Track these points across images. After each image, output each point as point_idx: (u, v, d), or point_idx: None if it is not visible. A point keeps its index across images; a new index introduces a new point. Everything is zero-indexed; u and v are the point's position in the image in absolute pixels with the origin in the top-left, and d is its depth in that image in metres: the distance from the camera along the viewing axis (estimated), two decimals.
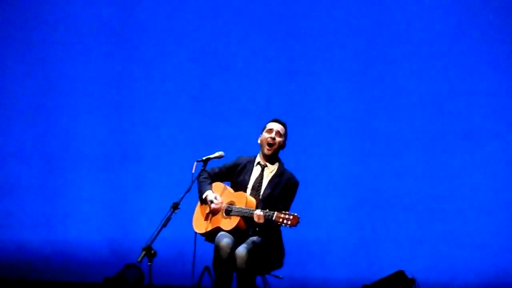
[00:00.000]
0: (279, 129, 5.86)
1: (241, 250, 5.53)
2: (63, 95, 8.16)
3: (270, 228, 5.63)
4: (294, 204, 5.85)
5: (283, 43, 7.89)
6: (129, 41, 8.12)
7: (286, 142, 5.96)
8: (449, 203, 7.57)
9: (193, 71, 8.03)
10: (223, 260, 5.53)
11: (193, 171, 5.69)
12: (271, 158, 5.87)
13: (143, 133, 8.05)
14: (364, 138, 7.73)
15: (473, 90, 7.61)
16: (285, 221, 5.38)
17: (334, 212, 7.69)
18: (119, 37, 8.13)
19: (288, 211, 5.68)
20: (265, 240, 5.67)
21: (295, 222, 5.38)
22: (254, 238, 5.65)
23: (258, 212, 5.52)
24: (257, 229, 5.61)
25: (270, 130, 5.85)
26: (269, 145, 5.83)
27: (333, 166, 7.73)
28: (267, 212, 5.49)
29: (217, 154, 5.88)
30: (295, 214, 5.39)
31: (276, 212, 5.43)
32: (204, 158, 5.82)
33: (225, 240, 5.56)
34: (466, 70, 7.63)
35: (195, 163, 5.75)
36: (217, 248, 5.55)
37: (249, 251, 5.52)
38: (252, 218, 5.55)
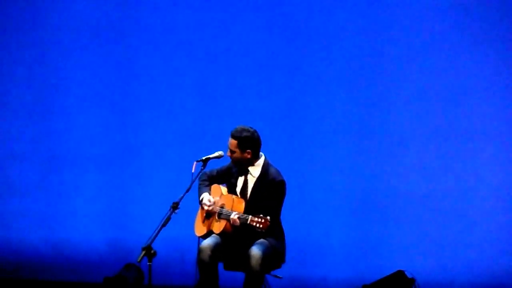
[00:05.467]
0: (229, 146, 5.78)
1: (256, 252, 5.56)
2: (63, 95, 8.16)
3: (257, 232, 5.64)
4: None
5: (283, 42, 7.89)
6: (129, 41, 8.12)
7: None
8: (449, 203, 7.57)
9: (193, 71, 8.03)
10: (203, 262, 5.61)
11: (193, 171, 5.71)
12: (249, 164, 5.83)
13: (143, 132, 8.05)
14: (364, 138, 7.73)
15: (473, 90, 7.61)
16: (257, 225, 5.41)
17: (334, 212, 7.68)
18: (119, 37, 8.12)
19: (277, 212, 5.72)
20: (270, 241, 5.69)
21: (265, 226, 5.41)
22: (264, 240, 5.67)
23: (233, 216, 5.57)
24: (240, 229, 5.62)
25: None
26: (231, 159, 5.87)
27: (333, 166, 7.73)
28: (242, 215, 5.53)
29: (217, 154, 5.89)
30: (267, 217, 5.40)
31: (250, 216, 5.45)
32: (204, 158, 5.83)
33: (206, 242, 5.67)
34: (466, 70, 7.62)
35: (195, 163, 5.77)
36: (198, 250, 5.65)
37: (264, 253, 5.55)
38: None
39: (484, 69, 7.60)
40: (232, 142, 5.75)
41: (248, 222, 5.45)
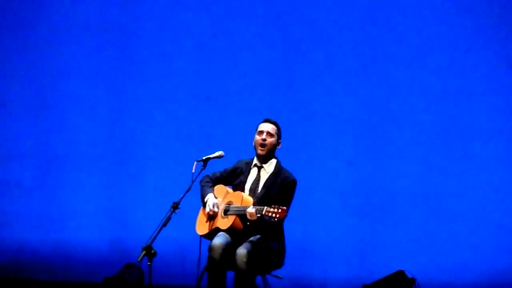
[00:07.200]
0: (269, 130, 5.86)
1: (242, 250, 5.54)
2: (63, 95, 8.16)
3: (267, 226, 5.62)
4: (294, 203, 5.84)
5: (283, 43, 7.89)
6: (129, 41, 8.12)
7: (282, 141, 5.96)
8: (448, 203, 7.57)
9: (193, 71, 8.03)
10: (215, 260, 5.55)
11: (193, 171, 5.70)
12: (266, 159, 5.88)
13: (143, 132, 8.05)
14: (364, 138, 7.73)
15: (473, 90, 7.62)
16: (273, 215, 5.39)
17: (334, 212, 7.69)
18: (119, 37, 8.13)
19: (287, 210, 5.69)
20: (265, 239, 5.67)
21: (283, 216, 5.39)
22: (254, 237, 5.66)
23: (250, 209, 5.53)
24: (248, 223, 5.61)
25: (261, 132, 5.87)
26: (262, 145, 5.84)
27: (333, 166, 7.73)
28: (258, 208, 5.50)
29: (217, 154, 5.88)
30: (284, 208, 5.39)
31: (266, 207, 5.43)
32: (204, 158, 5.82)
33: (217, 240, 5.60)
34: (466, 70, 7.63)
35: (195, 163, 5.76)
36: (209, 248, 5.59)
37: (249, 252, 5.53)
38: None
39: (484, 69, 7.61)
40: (273, 127, 5.88)
41: (264, 212, 5.42)
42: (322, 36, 7.85)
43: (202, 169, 5.80)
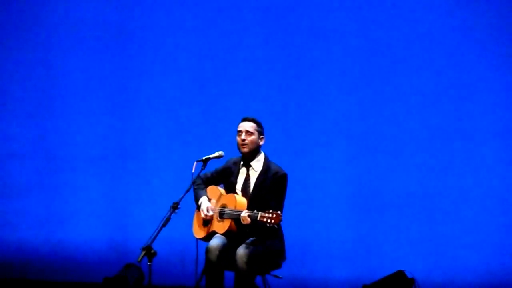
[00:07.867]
0: (247, 128, 5.82)
1: (241, 251, 5.55)
2: (63, 95, 8.16)
3: (263, 230, 5.61)
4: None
5: (282, 42, 7.89)
6: (129, 42, 8.12)
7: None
8: (449, 203, 7.57)
9: (193, 71, 8.03)
10: (212, 262, 5.58)
11: (193, 171, 5.70)
12: (252, 156, 5.85)
13: (143, 133, 8.05)
14: (364, 137, 7.73)
15: (473, 90, 7.61)
16: (268, 220, 5.37)
17: (334, 211, 7.68)
18: (119, 37, 8.13)
19: (281, 206, 5.70)
20: (264, 240, 5.67)
21: (277, 221, 5.37)
22: (254, 238, 5.66)
23: (243, 214, 5.53)
24: (247, 229, 5.61)
25: (240, 132, 5.84)
26: (243, 145, 5.82)
27: (333, 166, 7.73)
28: (252, 213, 5.49)
29: (217, 154, 5.88)
30: (278, 212, 5.37)
31: (260, 213, 5.42)
32: (204, 158, 5.82)
33: (214, 242, 5.62)
34: (465, 70, 7.63)
35: (195, 163, 5.76)
36: (206, 250, 5.62)
37: (250, 252, 5.53)
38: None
39: (484, 69, 7.60)
40: (251, 124, 5.84)
41: (258, 218, 5.41)
42: (322, 36, 7.84)
43: (202, 169, 5.80)
